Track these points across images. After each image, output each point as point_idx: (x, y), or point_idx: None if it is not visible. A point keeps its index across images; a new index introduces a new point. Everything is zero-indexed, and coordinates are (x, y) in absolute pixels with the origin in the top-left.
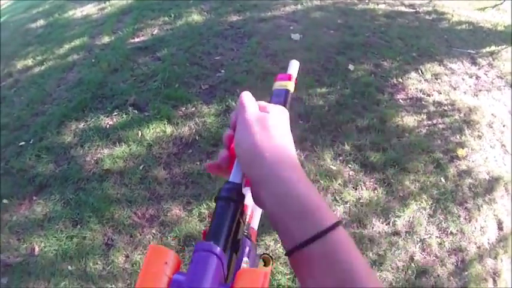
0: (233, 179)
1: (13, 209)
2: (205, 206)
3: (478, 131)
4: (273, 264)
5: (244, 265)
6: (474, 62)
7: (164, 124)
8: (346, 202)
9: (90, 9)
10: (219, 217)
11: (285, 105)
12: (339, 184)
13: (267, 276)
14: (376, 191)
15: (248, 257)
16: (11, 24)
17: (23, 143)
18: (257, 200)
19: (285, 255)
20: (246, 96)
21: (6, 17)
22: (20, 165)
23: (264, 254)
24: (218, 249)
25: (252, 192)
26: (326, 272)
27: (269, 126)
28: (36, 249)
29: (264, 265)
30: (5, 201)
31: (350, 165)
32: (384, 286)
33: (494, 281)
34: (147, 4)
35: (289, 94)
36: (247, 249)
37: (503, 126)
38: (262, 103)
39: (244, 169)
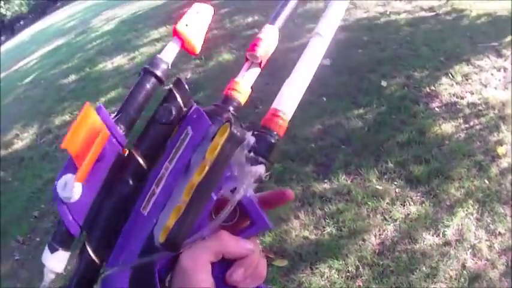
0: None
1: None
2: None
3: None
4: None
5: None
6: (499, 54)
7: None
8: (396, 220)
9: (120, 60)
10: None
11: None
12: (386, 203)
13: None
14: (423, 205)
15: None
16: (42, 81)
17: None
18: None
19: None
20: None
21: (36, 74)
22: None
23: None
24: None
25: None
26: None
27: None
28: None
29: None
30: None
31: (395, 183)
32: None
33: None
34: None
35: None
36: None
37: None
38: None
39: None
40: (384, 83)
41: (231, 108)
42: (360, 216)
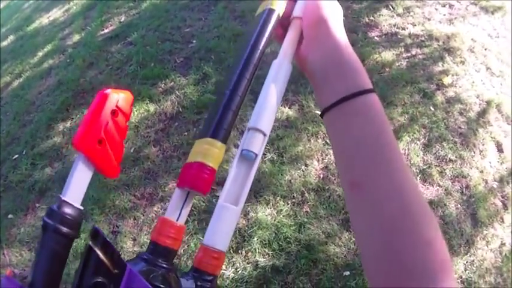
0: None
1: (19, 222)
2: None
3: (460, 57)
4: None
5: None
6: None
7: (146, 104)
8: None
9: (55, 13)
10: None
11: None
12: None
13: None
14: None
15: None
16: None
17: (16, 155)
18: (306, 58)
19: (322, 113)
20: None
21: None
22: (18, 178)
23: None
24: None
25: (302, 51)
26: (365, 123)
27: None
28: None
29: None
30: (10, 216)
31: None
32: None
33: (505, 205)
34: None
35: (273, 14)
36: None
37: (485, 49)
38: None
39: (307, 26)
40: None
41: (165, 265)
42: (300, 141)
